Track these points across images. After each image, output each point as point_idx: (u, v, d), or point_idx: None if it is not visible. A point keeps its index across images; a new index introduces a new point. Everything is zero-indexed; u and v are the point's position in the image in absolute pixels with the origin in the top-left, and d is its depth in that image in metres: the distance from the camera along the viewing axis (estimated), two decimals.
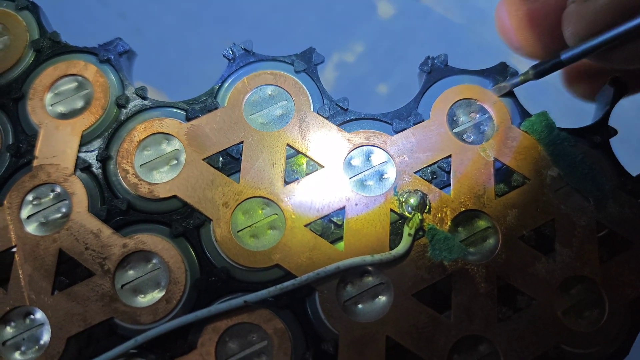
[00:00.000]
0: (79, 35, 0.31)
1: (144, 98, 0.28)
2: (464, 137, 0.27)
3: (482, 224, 0.26)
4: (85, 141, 0.27)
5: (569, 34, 0.24)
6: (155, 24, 0.43)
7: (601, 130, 0.27)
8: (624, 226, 0.26)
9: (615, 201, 0.26)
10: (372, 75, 0.40)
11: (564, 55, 0.25)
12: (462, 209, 0.26)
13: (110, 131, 0.27)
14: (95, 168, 0.27)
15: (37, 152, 0.27)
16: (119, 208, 0.26)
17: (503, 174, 0.27)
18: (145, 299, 0.25)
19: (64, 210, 0.26)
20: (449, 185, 0.26)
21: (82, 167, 0.27)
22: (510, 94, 0.28)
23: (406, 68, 0.30)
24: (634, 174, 0.27)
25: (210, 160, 0.27)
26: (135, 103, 0.28)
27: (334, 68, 0.41)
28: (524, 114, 0.28)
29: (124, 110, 0.27)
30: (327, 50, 0.45)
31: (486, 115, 0.27)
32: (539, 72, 0.26)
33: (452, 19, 0.39)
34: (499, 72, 0.28)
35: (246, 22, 0.42)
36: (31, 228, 0.26)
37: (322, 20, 0.42)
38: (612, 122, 0.28)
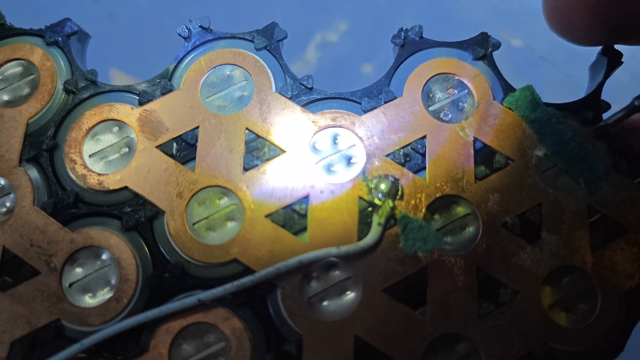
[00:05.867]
0: (51, 20, 0.29)
1: (94, 82, 0.26)
2: (441, 115, 0.25)
3: (460, 210, 0.24)
4: (31, 130, 0.25)
5: None
6: (129, 7, 0.41)
7: (593, 105, 0.25)
8: (619, 210, 0.24)
9: (608, 183, 0.24)
10: (357, 54, 0.38)
11: None
12: (439, 195, 0.24)
13: (58, 119, 0.25)
14: (42, 159, 0.25)
15: None
16: (67, 201, 0.24)
17: (484, 154, 0.24)
18: (95, 299, 0.23)
19: (8, 204, 0.24)
20: (424, 168, 0.24)
21: (28, 157, 0.25)
22: (491, 65, 0.25)
23: (392, 46, 0.28)
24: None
25: (164, 147, 0.25)
26: (85, 88, 0.26)
27: (316, 48, 0.38)
28: (508, 88, 0.25)
29: (73, 96, 0.25)
30: (309, 30, 0.43)
31: (465, 91, 0.25)
32: None
33: None
34: (479, 44, 0.26)
35: (224, 3, 0.40)
36: None
37: None
38: (605, 96, 0.25)
